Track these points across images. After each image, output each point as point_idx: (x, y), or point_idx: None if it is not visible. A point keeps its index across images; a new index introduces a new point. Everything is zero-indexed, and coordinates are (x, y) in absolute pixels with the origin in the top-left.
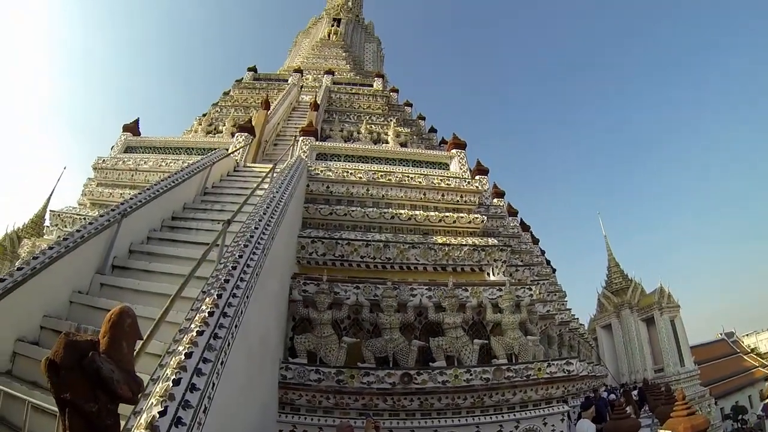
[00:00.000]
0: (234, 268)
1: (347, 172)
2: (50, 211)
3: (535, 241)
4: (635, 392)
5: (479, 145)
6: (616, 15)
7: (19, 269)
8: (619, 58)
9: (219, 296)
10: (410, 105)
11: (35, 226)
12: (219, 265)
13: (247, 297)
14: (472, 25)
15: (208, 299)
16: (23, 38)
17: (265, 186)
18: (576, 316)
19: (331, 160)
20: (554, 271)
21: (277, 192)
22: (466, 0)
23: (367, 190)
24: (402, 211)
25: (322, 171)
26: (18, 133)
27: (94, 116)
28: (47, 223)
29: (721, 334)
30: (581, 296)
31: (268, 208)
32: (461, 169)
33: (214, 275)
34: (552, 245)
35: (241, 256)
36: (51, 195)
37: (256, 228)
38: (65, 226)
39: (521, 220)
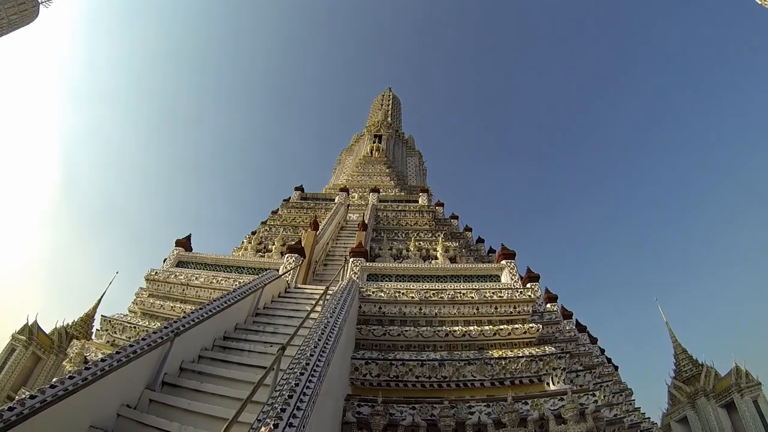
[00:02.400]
0: (290, 396)
1: (399, 291)
2: (102, 316)
3: (594, 341)
4: None
5: (530, 246)
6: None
7: (70, 377)
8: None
9: (276, 426)
10: (456, 218)
11: (84, 326)
12: (275, 393)
13: (303, 426)
14: (510, 124)
15: (264, 428)
16: (75, 145)
17: (318, 309)
18: (647, 415)
19: (382, 280)
20: (617, 368)
21: (330, 316)
22: (502, 100)
23: (420, 309)
24: (456, 328)
25: (373, 292)
26: (71, 238)
27: (147, 226)
28: (97, 326)
29: None
30: (648, 388)
31: (323, 333)
32: (512, 279)
33: (270, 402)
34: (609, 339)
35: (297, 384)
36: (101, 297)
37: (312, 355)
38: (115, 332)
39: (576, 320)
